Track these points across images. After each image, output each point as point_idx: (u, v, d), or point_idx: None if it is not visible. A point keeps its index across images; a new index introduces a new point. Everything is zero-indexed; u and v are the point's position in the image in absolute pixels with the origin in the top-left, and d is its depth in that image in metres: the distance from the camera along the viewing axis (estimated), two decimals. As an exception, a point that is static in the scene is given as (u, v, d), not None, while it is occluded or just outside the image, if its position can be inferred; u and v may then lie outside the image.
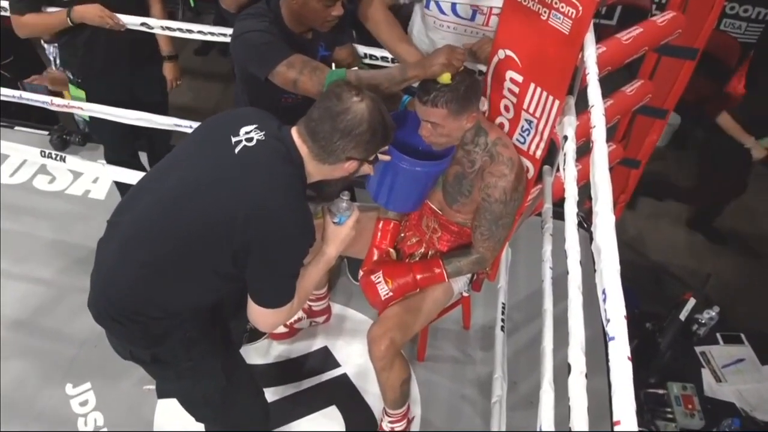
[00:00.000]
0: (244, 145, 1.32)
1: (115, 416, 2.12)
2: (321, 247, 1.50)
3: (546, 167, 1.89)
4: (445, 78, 1.54)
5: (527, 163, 1.74)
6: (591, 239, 1.09)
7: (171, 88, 2.58)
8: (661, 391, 2.57)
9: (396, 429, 1.99)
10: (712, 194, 3.62)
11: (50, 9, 2.20)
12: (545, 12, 1.45)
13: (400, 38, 1.92)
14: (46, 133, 3.18)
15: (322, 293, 2.32)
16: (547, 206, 1.84)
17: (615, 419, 0.80)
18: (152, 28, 2.26)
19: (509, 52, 1.63)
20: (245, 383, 1.71)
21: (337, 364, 2.29)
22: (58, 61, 3.07)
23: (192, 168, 1.36)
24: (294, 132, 1.37)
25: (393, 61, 2.05)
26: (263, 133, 1.34)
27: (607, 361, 0.88)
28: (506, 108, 1.72)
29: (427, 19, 2.05)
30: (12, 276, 2.53)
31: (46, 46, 3.16)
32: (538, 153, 1.70)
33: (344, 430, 2.12)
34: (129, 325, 1.40)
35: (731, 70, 4.17)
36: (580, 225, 1.41)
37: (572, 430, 0.99)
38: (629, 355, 0.86)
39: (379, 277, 1.80)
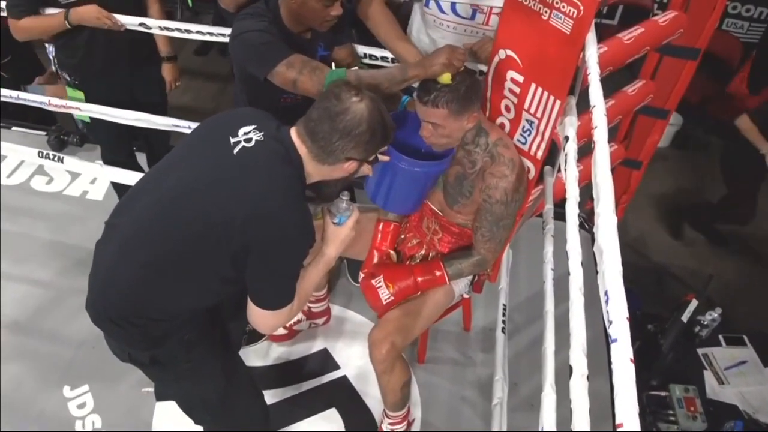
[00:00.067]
0: (243, 146, 1.31)
1: (113, 419, 2.11)
2: (321, 248, 1.49)
3: (547, 168, 1.88)
4: (446, 78, 1.53)
5: (528, 163, 1.74)
6: (593, 240, 1.09)
7: (170, 89, 2.56)
8: (663, 394, 2.55)
9: (396, 431, 1.98)
10: (729, 201, 3.55)
11: (48, 10, 2.19)
12: (546, 12, 1.45)
13: (400, 37, 1.92)
14: (44, 133, 3.17)
15: (322, 295, 2.31)
16: (549, 207, 1.83)
17: (618, 422, 0.80)
18: (150, 29, 2.25)
19: (510, 52, 1.62)
20: (244, 385, 1.70)
21: (336, 366, 2.28)
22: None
23: (191, 169, 1.35)
24: (293, 132, 1.36)
25: (393, 61, 2.04)
26: (262, 133, 1.33)
27: (609, 363, 0.87)
28: (507, 108, 1.71)
29: (426, 18, 2.04)
30: (9, 277, 2.52)
31: (46, 45, 3.14)
32: (539, 153, 1.69)
33: (344, 432, 2.11)
34: (128, 327, 1.39)
35: (733, 70, 4.17)
36: (581, 226, 1.40)
37: (574, 432, 0.99)
38: (632, 358, 0.85)
39: (380, 281, 1.79)
